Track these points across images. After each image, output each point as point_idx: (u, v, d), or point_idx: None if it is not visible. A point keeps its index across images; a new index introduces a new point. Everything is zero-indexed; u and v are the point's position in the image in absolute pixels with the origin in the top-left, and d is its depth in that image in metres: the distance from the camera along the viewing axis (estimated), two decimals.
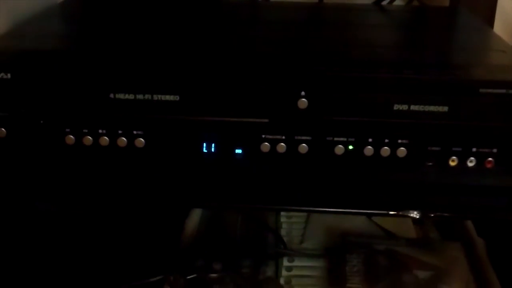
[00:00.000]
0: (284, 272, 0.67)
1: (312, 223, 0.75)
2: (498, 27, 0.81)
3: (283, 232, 0.74)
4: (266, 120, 0.51)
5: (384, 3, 0.77)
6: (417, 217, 0.50)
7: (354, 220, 0.75)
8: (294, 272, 0.67)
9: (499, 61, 0.56)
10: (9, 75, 0.50)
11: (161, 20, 0.67)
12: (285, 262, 0.68)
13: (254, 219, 0.74)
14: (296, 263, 0.69)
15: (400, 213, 0.50)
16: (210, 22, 0.68)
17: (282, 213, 0.77)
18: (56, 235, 0.71)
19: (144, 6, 0.72)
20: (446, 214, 0.52)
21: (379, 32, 0.65)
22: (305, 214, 0.76)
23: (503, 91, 0.49)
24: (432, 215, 0.50)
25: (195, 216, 0.73)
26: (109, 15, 0.69)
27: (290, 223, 0.76)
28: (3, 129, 0.52)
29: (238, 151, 0.53)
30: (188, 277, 0.59)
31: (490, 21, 0.81)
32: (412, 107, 0.50)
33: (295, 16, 0.72)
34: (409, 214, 0.50)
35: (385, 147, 0.51)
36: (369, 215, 0.70)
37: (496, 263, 0.67)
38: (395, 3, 0.78)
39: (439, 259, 0.68)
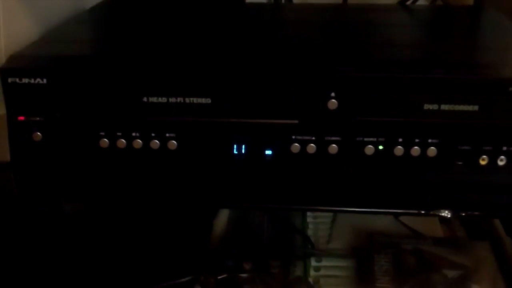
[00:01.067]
0: (312, 272, 0.67)
1: (338, 224, 0.75)
2: None
3: (309, 232, 0.75)
4: (296, 122, 0.52)
5: (408, 3, 0.77)
6: (448, 216, 0.50)
7: (381, 220, 0.75)
8: (322, 272, 0.68)
9: None
10: (45, 81, 0.51)
11: (190, 23, 0.68)
12: (313, 262, 0.69)
13: (281, 219, 0.75)
14: (324, 263, 0.69)
15: (431, 212, 0.50)
16: (236, 24, 0.68)
17: (308, 213, 0.77)
18: (87, 237, 0.73)
19: (172, 9, 0.73)
20: (476, 213, 0.52)
21: (405, 32, 0.65)
22: (331, 214, 0.77)
23: None
24: (463, 214, 0.51)
25: (223, 217, 0.74)
26: (138, 18, 0.70)
27: (316, 223, 0.76)
28: (39, 133, 0.53)
29: (268, 152, 0.53)
30: (219, 277, 0.60)
31: None
32: (442, 107, 0.50)
33: (319, 17, 0.72)
34: (440, 214, 0.50)
35: (415, 147, 0.51)
36: (399, 215, 0.70)
37: None
38: (419, 2, 0.78)
39: (467, 259, 0.68)
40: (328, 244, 0.72)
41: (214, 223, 0.71)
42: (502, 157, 0.51)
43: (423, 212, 0.51)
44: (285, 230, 0.73)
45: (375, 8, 0.77)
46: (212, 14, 0.72)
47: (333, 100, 0.51)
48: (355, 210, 0.53)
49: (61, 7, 0.67)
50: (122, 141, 0.53)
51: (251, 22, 0.70)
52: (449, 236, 0.74)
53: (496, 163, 0.52)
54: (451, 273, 0.65)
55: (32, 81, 0.52)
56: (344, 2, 0.79)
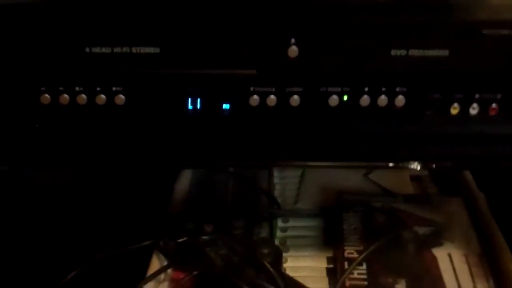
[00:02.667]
0: (278, 233, 0.64)
1: (306, 183, 0.72)
2: None
3: (276, 193, 0.71)
4: (254, 72, 0.48)
5: None
6: (418, 168, 0.47)
7: (350, 178, 0.72)
8: (289, 232, 0.65)
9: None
10: None
11: None
12: (280, 223, 0.66)
13: (246, 180, 0.72)
14: (291, 223, 0.66)
15: (400, 164, 0.47)
16: None
17: (275, 174, 0.74)
18: (43, 202, 0.69)
19: None
20: (448, 164, 0.49)
21: None
22: (298, 174, 0.74)
23: (508, 31, 0.46)
24: (434, 165, 0.48)
25: (185, 180, 0.70)
26: None
27: (283, 184, 0.73)
28: None
29: (226, 106, 0.49)
30: (179, 241, 0.56)
31: None
32: (411, 52, 0.47)
33: None
34: (409, 166, 0.47)
35: (382, 96, 0.48)
36: (366, 168, 0.67)
37: (498, 217, 0.65)
38: None
39: (439, 215, 0.66)
40: (295, 204, 0.70)
41: (174, 187, 0.68)
42: (475, 105, 0.48)
43: (391, 164, 0.48)
44: (250, 192, 0.70)
45: None
46: None
47: (293, 47, 0.47)
48: (319, 165, 0.50)
49: None
50: (65, 97, 0.48)
51: None
52: (420, 193, 0.72)
53: (468, 112, 0.49)
54: (422, 230, 0.63)
55: None
56: None
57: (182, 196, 0.68)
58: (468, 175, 0.71)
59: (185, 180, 0.70)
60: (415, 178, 0.74)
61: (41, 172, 0.64)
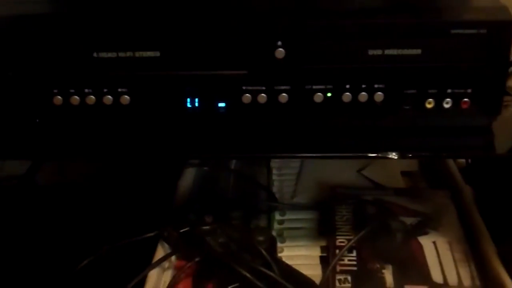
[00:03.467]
0: (276, 225, 0.69)
1: (302, 179, 0.77)
2: None
3: (274, 189, 0.76)
4: (245, 72, 0.53)
5: None
6: (396, 157, 0.51)
7: (344, 174, 0.76)
8: (286, 225, 0.69)
9: (469, 2, 0.56)
10: None
11: None
12: (277, 216, 0.70)
13: (246, 177, 0.76)
14: (288, 216, 0.71)
15: (379, 154, 0.52)
16: None
17: (274, 170, 0.78)
18: (54, 197, 0.74)
19: None
20: (423, 154, 0.53)
21: None
22: (296, 171, 0.78)
23: (474, 31, 0.50)
24: (410, 155, 0.52)
25: (188, 177, 0.75)
26: None
27: (281, 180, 0.77)
28: None
29: (221, 104, 0.54)
30: (181, 231, 0.61)
31: None
32: (387, 52, 0.51)
33: None
34: (387, 156, 0.51)
35: (363, 93, 0.53)
36: (349, 158, 0.71)
37: (483, 210, 0.69)
38: None
39: (426, 206, 0.70)
40: (292, 199, 0.74)
41: (178, 184, 0.72)
42: (448, 99, 0.53)
43: (371, 154, 0.52)
44: (250, 187, 0.75)
45: None
46: None
47: (280, 49, 0.52)
48: (306, 156, 0.54)
49: None
50: (76, 98, 0.54)
51: None
52: (410, 187, 0.76)
53: (442, 106, 0.53)
54: (409, 220, 0.67)
55: None
56: None
57: (185, 191, 0.72)
58: (455, 170, 0.75)
59: (188, 177, 0.75)
60: (406, 173, 0.78)
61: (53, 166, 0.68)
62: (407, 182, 0.77)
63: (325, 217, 0.70)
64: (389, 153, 0.52)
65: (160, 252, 0.61)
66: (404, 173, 0.78)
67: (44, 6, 0.55)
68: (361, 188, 0.74)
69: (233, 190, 0.75)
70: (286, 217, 0.71)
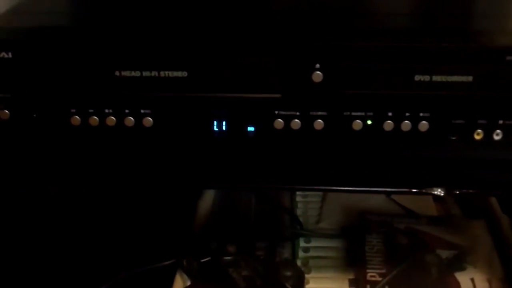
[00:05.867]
0: (301, 254, 0.65)
1: (328, 202, 0.73)
2: None
3: (298, 212, 0.72)
4: (279, 96, 0.49)
5: None
6: (441, 194, 0.47)
7: (372, 198, 0.72)
8: (311, 253, 0.65)
9: None
10: (10, 54, 0.48)
11: None
12: (302, 243, 0.66)
13: (269, 199, 0.72)
14: (313, 243, 0.67)
15: (424, 190, 0.48)
16: None
17: (297, 192, 0.74)
18: (68, 218, 0.70)
19: None
20: (471, 191, 0.49)
21: None
22: (321, 193, 0.74)
23: None
24: (457, 192, 0.48)
25: (208, 197, 0.71)
26: None
27: (305, 202, 0.73)
28: (6, 110, 0.50)
29: (250, 128, 0.50)
30: (202, 261, 0.57)
31: None
32: (434, 78, 0.47)
33: None
34: (433, 192, 0.47)
35: (406, 121, 0.48)
36: (390, 194, 0.67)
37: None
38: None
39: (462, 238, 0.66)
40: (317, 223, 0.70)
41: (198, 204, 0.69)
42: (498, 131, 0.48)
43: (415, 190, 0.48)
44: (273, 210, 0.71)
45: None
46: None
47: (318, 72, 0.47)
48: (343, 189, 0.50)
49: None
50: (95, 118, 0.50)
51: None
52: (443, 215, 0.72)
53: (492, 138, 0.49)
54: (445, 254, 0.63)
55: None
56: None
57: (205, 213, 0.69)
58: (492, 197, 0.71)
59: (208, 198, 0.71)
60: (438, 199, 0.74)
61: (70, 190, 0.65)
62: (439, 208, 0.73)
63: (353, 246, 0.66)
64: (434, 189, 0.47)
65: (178, 283, 0.58)
66: (436, 199, 0.74)
67: (64, 18, 0.52)
68: (391, 214, 0.69)
69: (255, 212, 0.71)
70: (311, 244, 0.67)
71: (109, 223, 0.69)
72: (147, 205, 0.70)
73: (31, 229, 0.68)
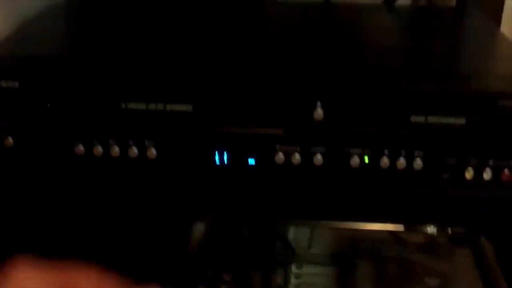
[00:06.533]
0: (293, 280, 0.66)
1: (319, 227, 0.74)
2: (505, 27, 0.80)
3: (290, 236, 0.73)
4: (281, 131, 0.50)
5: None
6: (434, 231, 0.49)
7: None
8: (303, 279, 0.67)
9: None
10: (17, 84, 0.49)
11: (170, 21, 0.65)
12: (294, 269, 0.67)
13: (261, 224, 0.73)
14: (305, 270, 0.68)
15: (418, 227, 0.49)
16: (218, 24, 0.66)
17: None
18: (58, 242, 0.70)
19: (151, 5, 0.71)
20: (461, 229, 0.51)
21: (390, 35, 0.64)
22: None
23: None
24: (449, 230, 0.50)
25: (201, 223, 0.72)
26: (115, 14, 0.67)
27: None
28: (10, 138, 0.51)
29: (251, 161, 0.52)
30: None
31: (497, 19, 0.80)
32: (430, 119, 0.49)
33: (303, 17, 0.71)
34: (425, 229, 0.49)
35: (401, 159, 0.50)
36: (385, 228, 0.69)
37: (505, 268, 0.67)
38: (400, 2, 0.77)
39: (448, 266, 0.67)
40: (309, 248, 0.71)
41: (193, 226, 0.69)
42: (488, 170, 0.51)
43: (408, 226, 0.50)
44: (265, 233, 0.72)
45: (358, 7, 0.75)
46: (193, 10, 0.70)
47: (319, 109, 0.49)
48: (340, 224, 0.52)
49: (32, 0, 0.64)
50: (99, 149, 0.51)
51: (233, 21, 0.68)
52: (430, 242, 0.74)
53: (482, 177, 0.51)
54: (432, 281, 0.64)
55: (4, 84, 0.49)
56: (326, 1, 0.77)
57: (199, 239, 0.69)
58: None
59: (201, 223, 0.72)
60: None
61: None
62: (426, 234, 0.75)
63: (344, 272, 0.67)
64: (427, 225, 0.49)
65: None
66: None
67: (71, 46, 0.53)
68: (381, 241, 0.71)
69: (247, 237, 0.72)
70: (303, 270, 0.68)
71: (100, 247, 0.69)
72: (140, 230, 0.70)
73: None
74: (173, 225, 0.70)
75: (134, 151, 0.51)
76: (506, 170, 0.51)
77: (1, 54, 0.52)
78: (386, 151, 0.50)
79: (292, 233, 0.74)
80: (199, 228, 0.71)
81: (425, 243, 0.73)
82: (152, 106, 0.49)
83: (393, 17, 0.72)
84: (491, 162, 0.50)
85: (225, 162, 0.52)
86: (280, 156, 0.51)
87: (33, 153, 0.51)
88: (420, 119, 0.49)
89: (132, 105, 0.49)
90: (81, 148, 0.51)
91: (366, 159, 0.50)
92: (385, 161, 0.50)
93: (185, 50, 0.55)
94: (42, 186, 0.52)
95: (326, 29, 0.64)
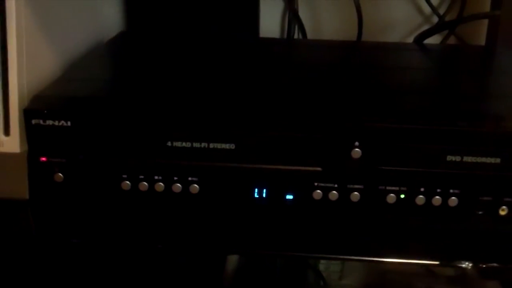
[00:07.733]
0: None
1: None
2: None
3: (321, 267, 0.75)
4: (320, 169, 0.52)
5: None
6: (469, 267, 0.50)
7: None
8: None
9: None
10: (69, 123, 0.51)
11: (211, 61, 0.67)
12: None
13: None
14: None
15: (452, 264, 0.51)
16: (253, 63, 0.68)
17: None
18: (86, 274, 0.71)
19: (192, 44, 0.73)
20: (496, 265, 0.52)
21: (423, 75, 0.66)
22: None
23: None
24: (484, 265, 0.51)
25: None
26: (157, 54, 0.69)
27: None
28: (60, 174, 0.53)
29: (289, 197, 0.54)
30: None
31: None
32: (465, 159, 0.51)
33: (335, 56, 0.73)
34: (460, 265, 0.50)
35: (437, 197, 0.52)
36: (420, 265, 0.70)
37: None
38: (429, 40, 0.78)
39: None
40: (340, 279, 0.73)
41: (227, 260, 0.71)
42: None
43: (443, 263, 0.51)
44: (298, 264, 0.74)
45: (389, 47, 0.77)
46: (232, 51, 0.72)
47: (357, 149, 0.51)
48: (376, 260, 0.53)
49: (80, 39, 0.66)
50: (144, 184, 0.53)
51: (268, 61, 0.69)
52: (460, 274, 0.75)
53: None
54: None
55: (56, 123, 0.52)
56: (358, 40, 0.79)
57: (234, 267, 0.71)
58: None
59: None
60: None
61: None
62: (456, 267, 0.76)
63: None
64: (462, 262, 0.51)
65: None
66: None
67: (118, 86, 0.55)
68: (412, 273, 0.72)
69: (280, 266, 0.73)
70: None
71: (133, 280, 0.70)
72: (177, 259, 0.72)
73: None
74: (209, 255, 0.72)
75: (178, 186, 0.53)
76: None
77: (54, 94, 0.54)
78: (422, 189, 0.52)
79: (323, 264, 0.76)
80: (233, 258, 0.73)
81: (456, 276, 0.75)
82: (196, 144, 0.52)
83: (424, 55, 0.74)
84: None
85: (264, 197, 0.53)
86: (318, 193, 0.52)
87: (81, 188, 0.53)
88: (456, 158, 0.51)
89: (178, 144, 0.52)
90: (127, 183, 0.53)
91: (402, 196, 0.52)
92: (420, 198, 0.52)
93: (228, 91, 0.57)
94: (89, 220, 0.55)
95: (359, 69, 0.66)
